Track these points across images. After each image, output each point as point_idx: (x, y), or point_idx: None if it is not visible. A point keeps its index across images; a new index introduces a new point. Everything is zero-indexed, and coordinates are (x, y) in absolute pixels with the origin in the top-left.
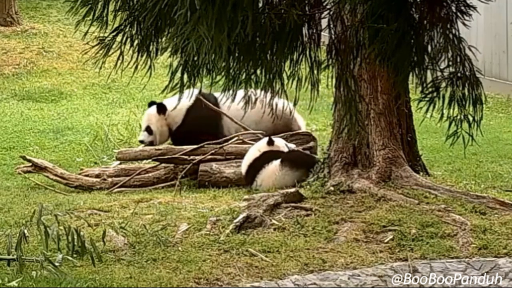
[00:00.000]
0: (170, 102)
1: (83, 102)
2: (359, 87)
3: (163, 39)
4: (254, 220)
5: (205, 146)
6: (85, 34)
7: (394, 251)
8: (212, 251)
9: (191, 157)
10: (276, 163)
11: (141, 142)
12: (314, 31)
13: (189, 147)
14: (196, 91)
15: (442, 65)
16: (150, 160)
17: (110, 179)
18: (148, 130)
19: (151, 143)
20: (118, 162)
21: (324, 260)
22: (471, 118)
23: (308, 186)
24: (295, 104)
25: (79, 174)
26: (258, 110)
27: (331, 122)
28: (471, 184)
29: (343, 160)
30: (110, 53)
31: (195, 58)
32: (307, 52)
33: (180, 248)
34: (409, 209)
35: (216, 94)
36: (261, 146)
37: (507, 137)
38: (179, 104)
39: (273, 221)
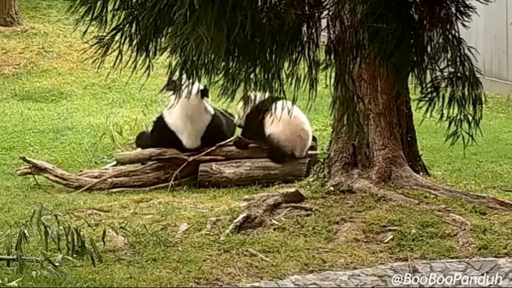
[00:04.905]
0: None
1: (83, 102)
2: (359, 87)
3: (162, 38)
4: (254, 220)
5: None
6: (84, 33)
7: (394, 251)
8: (212, 251)
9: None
10: None
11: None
12: (313, 31)
13: None
14: None
15: (442, 65)
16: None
17: (110, 180)
18: None
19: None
20: (114, 163)
21: (324, 260)
22: (470, 118)
23: (308, 186)
24: (293, 104)
25: (79, 175)
26: None
27: (331, 122)
28: (471, 184)
29: (343, 160)
30: (109, 52)
31: (194, 58)
32: (306, 52)
33: (180, 248)
34: (409, 209)
35: None
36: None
37: (507, 137)
38: None
39: (273, 221)
